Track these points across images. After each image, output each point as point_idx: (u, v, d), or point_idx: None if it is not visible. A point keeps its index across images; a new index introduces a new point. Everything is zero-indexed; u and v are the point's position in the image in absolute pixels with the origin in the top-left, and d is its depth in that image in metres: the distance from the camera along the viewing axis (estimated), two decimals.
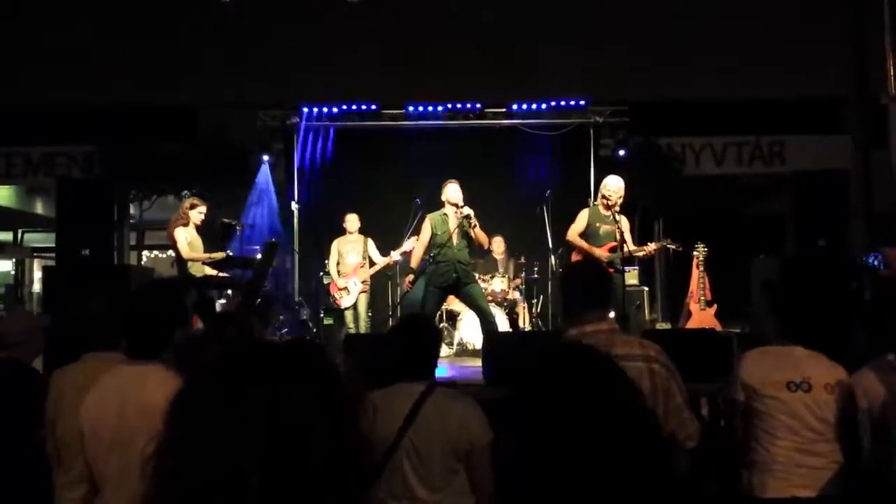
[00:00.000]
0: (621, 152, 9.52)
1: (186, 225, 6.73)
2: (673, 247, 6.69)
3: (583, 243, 6.17)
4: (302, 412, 0.84)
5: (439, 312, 7.51)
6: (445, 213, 6.20)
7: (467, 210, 6.09)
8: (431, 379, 2.68)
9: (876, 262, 6.36)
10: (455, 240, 6.11)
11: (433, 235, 6.19)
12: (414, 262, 6.36)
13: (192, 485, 0.81)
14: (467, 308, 8.01)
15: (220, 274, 6.81)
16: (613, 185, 6.16)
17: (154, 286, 2.93)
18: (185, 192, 8.91)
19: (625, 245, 5.99)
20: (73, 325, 2.91)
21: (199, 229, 6.86)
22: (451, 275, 6.11)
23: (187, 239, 6.67)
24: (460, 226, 6.12)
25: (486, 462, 2.45)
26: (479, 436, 2.45)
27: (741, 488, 3.00)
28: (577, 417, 0.98)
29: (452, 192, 6.19)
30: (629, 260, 6.34)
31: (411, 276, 6.72)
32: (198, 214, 6.81)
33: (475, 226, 6.11)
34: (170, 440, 0.85)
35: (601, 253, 6.11)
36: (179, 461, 0.83)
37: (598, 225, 6.22)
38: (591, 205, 6.49)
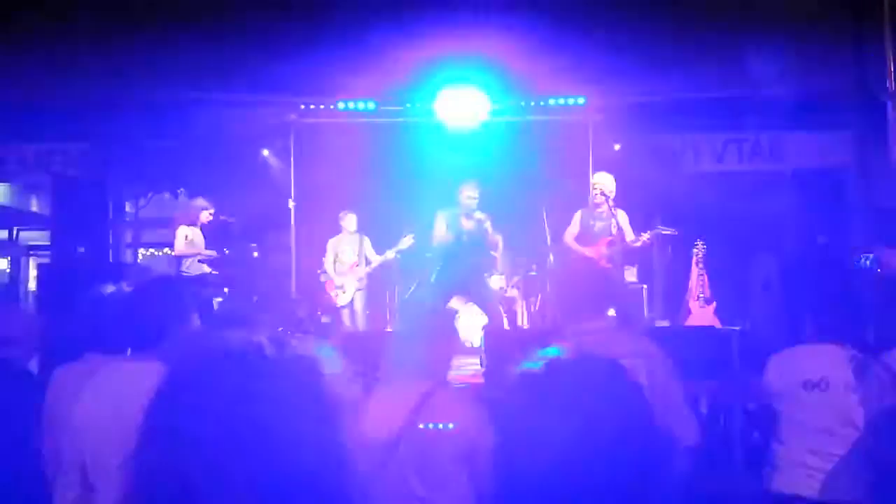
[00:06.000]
0: (615, 147, 9.50)
1: (192, 224, 6.75)
2: (667, 231, 6.74)
3: (578, 247, 6.22)
4: (285, 402, 0.84)
5: None
6: (458, 213, 6.10)
7: (479, 215, 5.96)
8: (441, 378, 2.66)
9: (869, 263, 6.33)
10: (464, 240, 6.02)
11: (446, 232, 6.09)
12: (435, 241, 6.22)
13: (173, 478, 0.79)
14: (465, 306, 7.99)
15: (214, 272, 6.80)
16: (603, 179, 6.24)
17: (154, 283, 2.93)
18: (182, 189, 8.88)
19: (624, 238, 6.01)
20: (83, 326, 2.88)
21: (204, 227, 6.88)
22: (457, 276, 6.03)
23: (188, 237, 6.68)
24: (473, 229, 6.00)
25: (487, 464, 2.41)
26: (481, 437, 2.41)
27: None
28: (576, 418, 0.95)
29: (465, 196, 6.05)
30: (629, 254, 6.34)
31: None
32: (207, 215, 6.86)
33: (488, 230, 6.01)
34: (151, 434, 0.84)
35: (598, 250, 6.13)
36: (160, 455, 0.81)
37: (591, 223, 6.27)
38: (588, 205, 6.49)
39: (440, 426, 2.48)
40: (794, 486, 2.82)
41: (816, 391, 2.83)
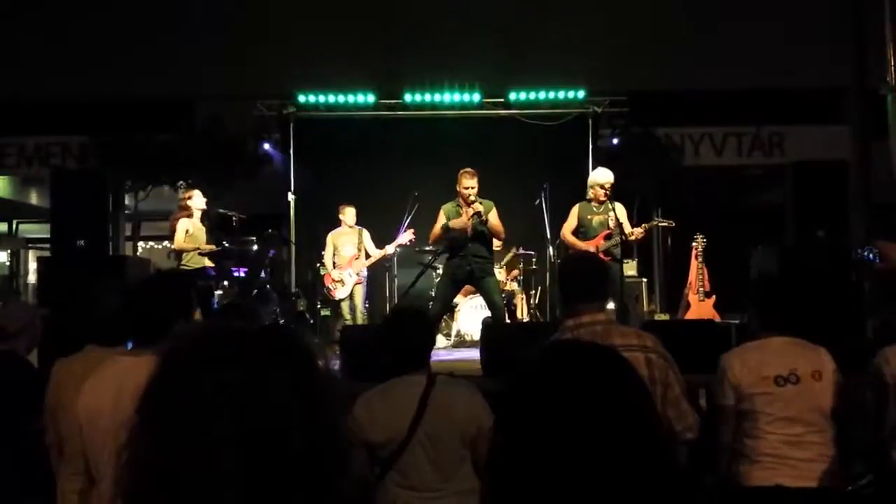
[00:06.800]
0: (615, 141, 9.50)
1: (191, 216, 6.72)
2: (664, 224, 6.76)
3: (576, 242, 6.20)
4: (278, 394, 0.84)
5: None
6: (459, 205, 6.03)
7: (477, 207, 5.86)
8: (428, 369, 2.67)
9: (870, 256, 6.34)
10: (469, 233, 5.95)
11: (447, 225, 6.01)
12: (431, 240, 6.22)
13: (166, 466, 0.80)
14: (465, 299, 8.00)
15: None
16: (607, 177, 6.21)
17: (157, 277, 2.93)
18: (181, 182, 8.86)
19: (622, 232, 5.99)
20: (83, 318, 2.88)
21: (206, 218, 6.86)
22: (465, 268, 5.98)
23: (188, 231, 6.66)
24: (473, 225, 5.92)
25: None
26: (485, 419, 2.47)
27: (723, 477, 2.95)
28: (580, 412, 0.95)
29: (463, 184, 5.93)
30: (628, 248, 6.32)
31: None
32: (197, 200, 6.80)
33: (486, 221, 5.92)
34: (144, 423, 0.84)
35: (596, 244, 6.12)
36: (154, 443, 0.82)
37: (589, 217, 6.25)
38: (585, 200, 6.46)
39: (449, 416, 2.51)
40: (774, 476, 2.82)
41: (789, 385, 2.85)
